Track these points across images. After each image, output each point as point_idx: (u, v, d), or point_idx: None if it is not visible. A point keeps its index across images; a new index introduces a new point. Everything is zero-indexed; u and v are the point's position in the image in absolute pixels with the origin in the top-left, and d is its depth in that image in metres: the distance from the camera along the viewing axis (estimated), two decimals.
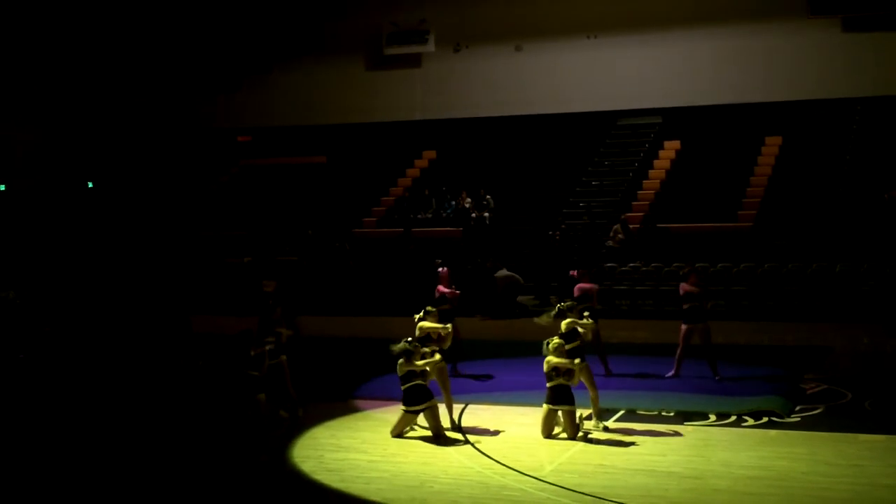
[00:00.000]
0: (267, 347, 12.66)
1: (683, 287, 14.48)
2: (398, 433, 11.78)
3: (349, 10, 30.58)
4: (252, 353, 12.29)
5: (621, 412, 12.76)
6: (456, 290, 15.77)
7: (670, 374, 14.54)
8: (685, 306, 14.42)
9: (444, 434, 11.68)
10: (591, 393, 11.98)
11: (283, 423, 12.68)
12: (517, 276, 22.69)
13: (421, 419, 11.92)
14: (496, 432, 11.97)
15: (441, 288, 15.60)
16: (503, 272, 22.61)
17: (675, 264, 22.03)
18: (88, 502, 10.09)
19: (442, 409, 12.10)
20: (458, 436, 11.83)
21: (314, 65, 30.97)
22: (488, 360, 16.50)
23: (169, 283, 24.82)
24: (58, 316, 21.98)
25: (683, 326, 14.38)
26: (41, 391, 15.71)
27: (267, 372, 12.55)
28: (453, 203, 26.63)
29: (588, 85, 28.04)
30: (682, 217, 24.07)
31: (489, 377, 15.26)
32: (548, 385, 11.69)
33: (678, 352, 14.49)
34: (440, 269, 16.01)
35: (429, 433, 11.73)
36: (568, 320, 12.17)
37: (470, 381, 15.04)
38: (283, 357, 13.06)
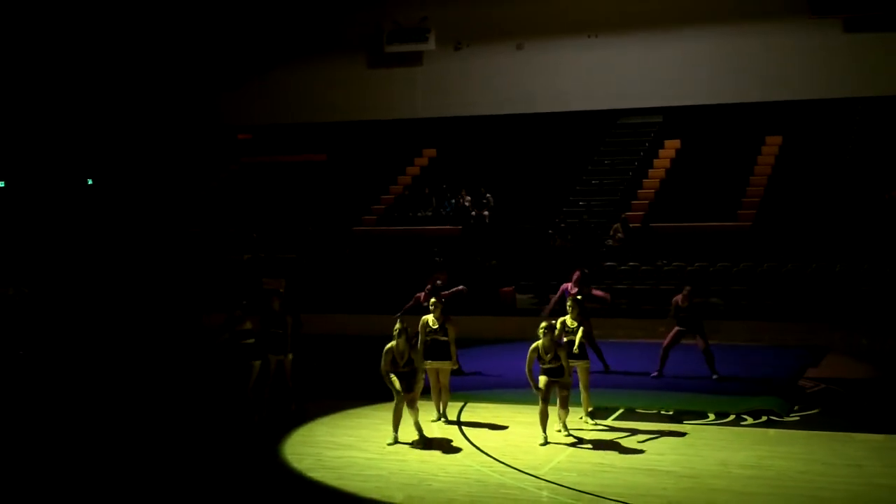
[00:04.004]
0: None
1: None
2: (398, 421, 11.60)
3: (350, 7, 30.53)
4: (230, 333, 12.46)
5: (620, 411, 12.78)
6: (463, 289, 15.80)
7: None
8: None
9: (422, 431, 11.51)
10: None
11: (288, 415, 12.72)
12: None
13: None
14: (495, 430, 11.98)
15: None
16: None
17: (675, 263, 22.04)
18: (86, 496, 10.09)
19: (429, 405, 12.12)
20: (457, 433, 11.84)
21: (315, 62, 30.92)
22: (487, 360, 16.51)
23: (167, 281, 24.81)
24: (56, 312, 22.01)
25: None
26: (40, 387, 15.73)
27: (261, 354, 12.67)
28: (453, 201, 26.62)
29: (588, 84, 27.99)
30: (681, 216, 24.05)
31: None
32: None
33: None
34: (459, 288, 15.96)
35: (428, 433, 11.70)
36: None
37: (469, 378, 15.06)
38: (290, 356, 13.02)
